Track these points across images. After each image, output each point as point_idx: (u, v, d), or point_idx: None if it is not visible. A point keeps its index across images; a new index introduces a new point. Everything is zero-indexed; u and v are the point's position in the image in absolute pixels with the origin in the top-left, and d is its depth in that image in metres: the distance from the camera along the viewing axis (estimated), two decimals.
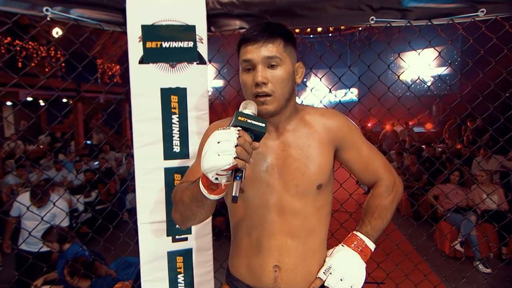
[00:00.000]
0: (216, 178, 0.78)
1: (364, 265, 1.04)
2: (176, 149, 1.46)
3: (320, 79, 1.96)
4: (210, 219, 1.54)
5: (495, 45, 1.46)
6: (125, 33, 1.39)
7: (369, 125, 11.51)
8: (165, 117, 1.43)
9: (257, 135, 0.80)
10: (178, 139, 1.45)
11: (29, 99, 8.71)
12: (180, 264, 1.52)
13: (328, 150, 1.05)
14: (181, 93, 1.43)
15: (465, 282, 2.13)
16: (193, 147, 1.47)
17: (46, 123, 10.07)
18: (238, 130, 0.77)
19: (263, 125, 0.80)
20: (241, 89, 1.01)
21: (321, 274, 1.03)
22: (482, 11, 1.22)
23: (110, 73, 9.71)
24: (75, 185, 6.12)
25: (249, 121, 0.80)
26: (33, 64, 7.81)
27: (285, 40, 0.96)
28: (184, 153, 1.46)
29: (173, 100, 1.42)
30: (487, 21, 1.33)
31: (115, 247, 1.85)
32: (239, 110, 0.86)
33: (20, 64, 7.88)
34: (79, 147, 8.39)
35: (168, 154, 1.45)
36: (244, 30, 1.48)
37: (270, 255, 1.02)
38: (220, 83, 11.28)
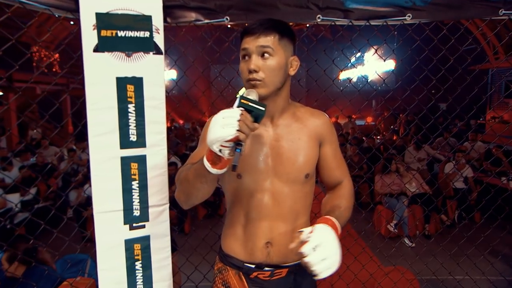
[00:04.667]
0: (220, 150, 0.88)
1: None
2: (133, 138, 1.47)
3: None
4: (167, 206, 1.58)
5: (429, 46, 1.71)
6: (78, 20, 1.36)
7: None
8: (121, 106, 1.43)
9: (256, 117, 0.91)
10: (135, 128, 1.46)
11: None
12: (137, 251, 1.54)
13: (315, 144, 1.18)
14: (137, 82, 1.44)
15: (395, 255, 2.43)
16: (150, 136, 1.49)
17: None
18: (241, 110, 0.88)
19: (263, 108, 0.91)
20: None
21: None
22: (409, 16, 1.42)
23: (46, 61, 9.00)
24: (7, 183, 5.63)
25: (250, 104, 0.90)
26: None
27: (281, 34, 1.06)
28: (141, 142, 1.48)
29: (129, 90, 1.43)
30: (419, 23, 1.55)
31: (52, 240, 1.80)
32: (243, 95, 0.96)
33: None
34: (13, 143, 7.69)
35: (125, 143, 1.46)
36: (199, 22, 1.53)
37: (262, 234, 1.14)
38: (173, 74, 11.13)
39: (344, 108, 2.52)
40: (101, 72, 1.39)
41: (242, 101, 0.91)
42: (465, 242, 2.32)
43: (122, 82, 1.42)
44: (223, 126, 0.85)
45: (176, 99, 2.03)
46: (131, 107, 1.45)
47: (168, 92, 1.63)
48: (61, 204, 5.25)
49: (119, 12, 1.38)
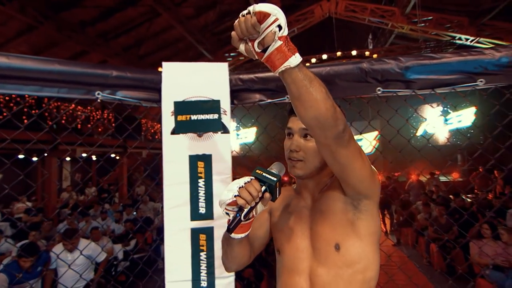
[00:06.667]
0: (227, 213, 0.90)
1: None
2: (202, 210, 1.49)
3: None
4: (233, 279, 1.51)
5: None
6: (160, 108, 1.52)
7: (396, 174, 11.11)
8: (192, 181, 1.48)
9: (270, 189, 0.91)
10: (204, 201, 1.49)
11: (84, 155, 9.33)
12: None
13: (344, 205, 0.98)
14: (207, 159, 1.50)
15: None
16: (217, 208, 1.49)
17: (96, 176, 10.64)
18: (251, 179, 0.90)
19: (274, 178, 0.90)
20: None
21: None
22: (481, 81, 1.23)
23: (152, 130, 10.32)
24: (117, 234, 6.23)
25: (263, 174, 0.91)
26: (89, 126, 8.50)
27: None
28: (208, 214, 1.49)
29: (199, 166, 1.49)
30: None
31: None
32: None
33: (79, 126, 8.60)
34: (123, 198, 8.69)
35: (195, 215, 1.48)
36: (263, 102, 1.57)
37: None
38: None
39: (426, 165, 2.21)
40: (176, 152, 1.48)
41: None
42: None
43: (193, 159, 1.49)
44: (228, 190, 0.88)
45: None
46: (201, 182, 1.49)
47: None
48: (156, 255, 5.57)
49: (193, 99, 1.50)
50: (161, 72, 1.52)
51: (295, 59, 0.78)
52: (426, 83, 1.33)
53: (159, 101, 1.53)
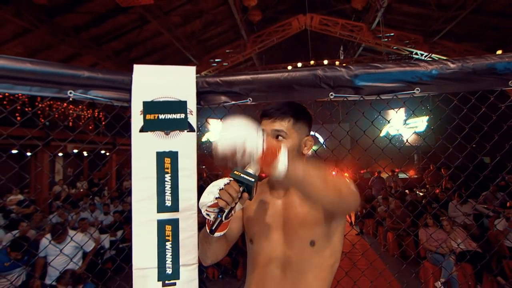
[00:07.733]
0: (207, 214, 0.87)
1: None
2: (168, 203, 1.44)
3: (314, 133, 1.95)
4: (196, 266, 1.48)
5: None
6: (130, 107, 1.46)
7: (361, 171, 11.32)
8: (159, 176, 1.44)
9: (248, 189, 0.87)
10: (170, 194, 1.45)
11: (75, 151, 8.99)
12: None
13: (320, 207, 0.98)
14: (173, 155, 1.45)
15: None
16: (182, 202, 1.45)
17: (87, 170, 10.29)
18: (229, 180, 0.87)
19: (252, 179, 0.86)
20: None
21: None
22: (417, 90, 1.25)
23: None
24: (104, 225, 6.04)
25: (241, 175, 0.86)
26: (81, 123, 8.19)
27: (296, 118, 1.01)
28: (174, 207, 1.44)
29: (166, 162, 1.44)
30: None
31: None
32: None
33: (70, 124, 8.28)
34: (112, 191, 8.44)
35: (161, 207, 1.44)
36: (227, 103, 1.54)
37: None
38: None
39: (387, 163, 2.22)
40: (144, 148, 1.43)
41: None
42: None
43: (160, 156, 1.44)
44: (208, 193, 0.85)
45: None
46: (168, 177, 1.45)
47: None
48: None
49: (161, 99, 1.45)
50: (132, 73, 1.47)
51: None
52: (372, 89, 1.34)
53: (129, 101, 1.47)
